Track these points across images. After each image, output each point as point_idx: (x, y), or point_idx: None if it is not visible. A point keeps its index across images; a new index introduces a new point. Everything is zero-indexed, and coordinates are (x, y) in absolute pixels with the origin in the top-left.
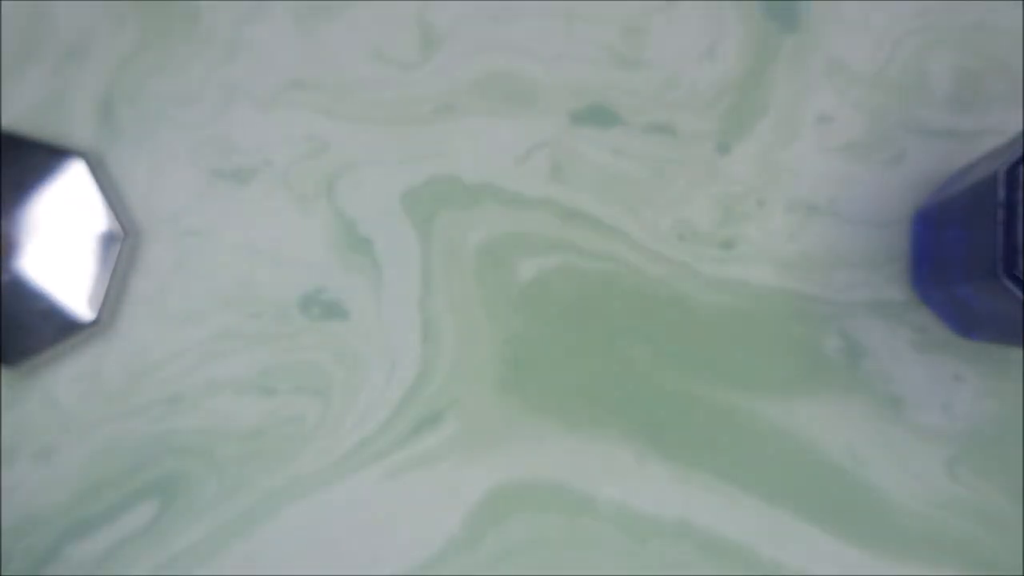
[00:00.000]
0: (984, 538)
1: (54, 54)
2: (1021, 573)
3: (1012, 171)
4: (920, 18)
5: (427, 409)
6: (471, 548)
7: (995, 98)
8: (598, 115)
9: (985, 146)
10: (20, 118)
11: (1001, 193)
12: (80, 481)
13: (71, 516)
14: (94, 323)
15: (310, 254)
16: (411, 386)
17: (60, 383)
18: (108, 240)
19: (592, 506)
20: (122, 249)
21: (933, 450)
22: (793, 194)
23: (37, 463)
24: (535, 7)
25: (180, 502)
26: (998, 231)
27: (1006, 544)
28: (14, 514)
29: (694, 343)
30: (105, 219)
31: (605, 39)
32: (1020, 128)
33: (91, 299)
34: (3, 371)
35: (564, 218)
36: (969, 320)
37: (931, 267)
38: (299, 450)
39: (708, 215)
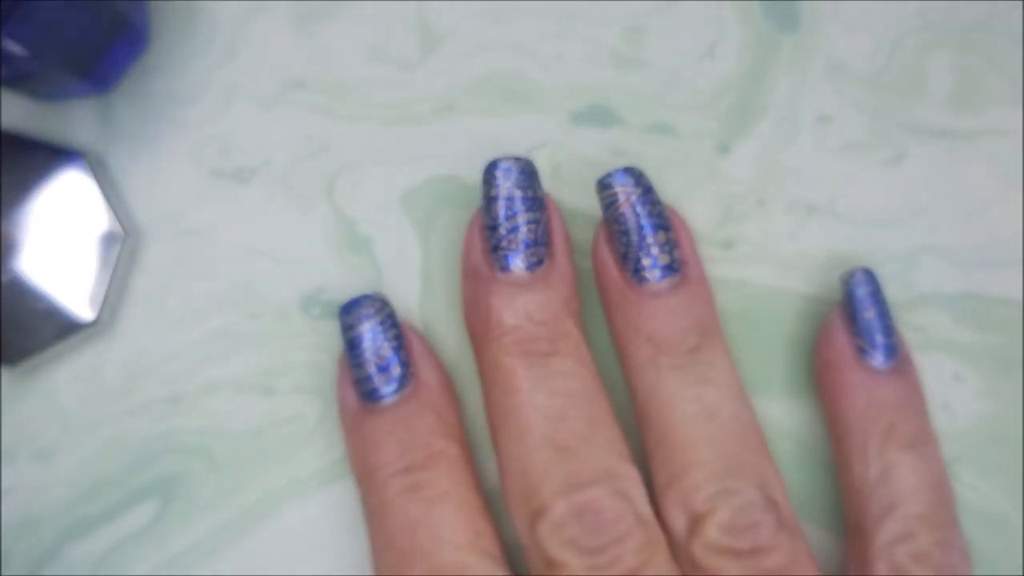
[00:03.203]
0: (984, 538)
1: None
2: (1021, 573)
3: None
4: (920, 18)
5: None
6: None
7: (995, 98)
8: (598, 115)
9: (985, 146)
10: (20, 118)
11: None
12: (80, 481)
13: (71, 516)
14: (94, 323)
15: (310, 254)
16: None
17: (60, 383)
18: (108, 240)
19: None
20: (122, 249)
21: None
22: (793, 194)
23: (37, 463)
24: (535, 7)
25: (180, 502)
26: None
27: (1006, 544)
28: (14, 514)
29: None
30: (105, 219)
31: (605, 39)
32: (1020, 127)
33: (91, 299)
34: (3, 371)
35: (564, 218)
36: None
37: None
38: (299, 450)
39: (708, 215)
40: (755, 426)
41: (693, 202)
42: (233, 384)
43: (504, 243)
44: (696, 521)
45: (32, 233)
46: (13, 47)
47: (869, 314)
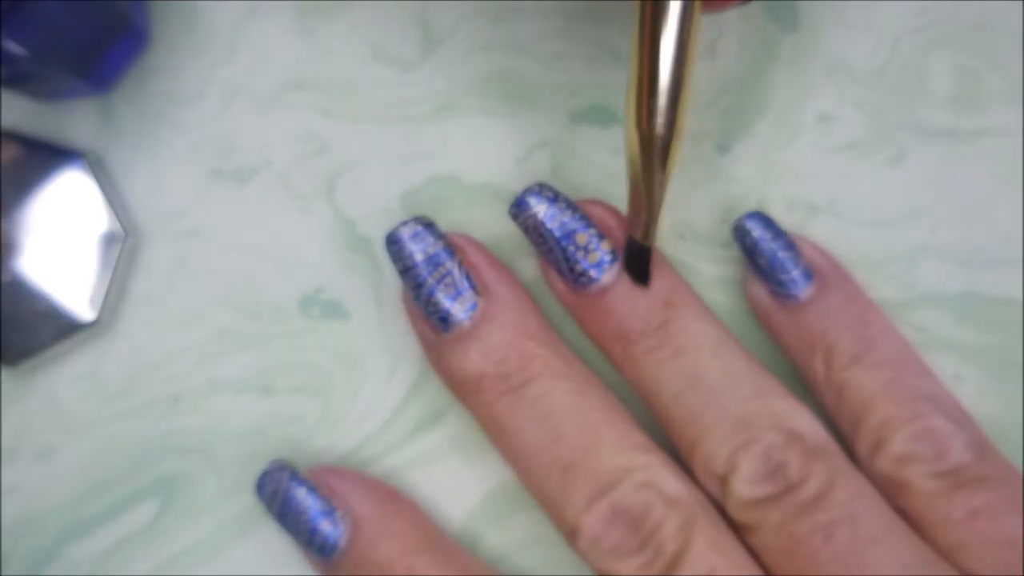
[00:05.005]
0: None
1: None
2: (1020, 572)
3: None
4: (920, 18)
5: (427, 409)
6: (471, 548)
7: (995, 98)
8: (598, 115)
9: (985, 146)
10: (20, 118)
11: None
12: (80, 481)
13: (71, 516)
14: (94, 323)
15: (310, 254)
16: (411, 386)
17: (60, 383)
18: (108, 240)
19: None
20: (122, 249)
21: None
22: (793, 194)
23: (37, 463)
24: (535, 7)
25: (180, 502)
26: None
27: None
28: (14, 514)
29: None
30: (105, 219)
31: (605, 39)
32: (1020, 127)
33: (91, 299)
34: (3, 371)
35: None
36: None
37: None
38: (299, 450)
39: (708, 215)
40: (750, 372)
41: (693, 202)
42: (233, 384)
43: (431, 308)
44: (723, 485)
45: (32, 233)
46: (13, 47)
47: (763, 260)
